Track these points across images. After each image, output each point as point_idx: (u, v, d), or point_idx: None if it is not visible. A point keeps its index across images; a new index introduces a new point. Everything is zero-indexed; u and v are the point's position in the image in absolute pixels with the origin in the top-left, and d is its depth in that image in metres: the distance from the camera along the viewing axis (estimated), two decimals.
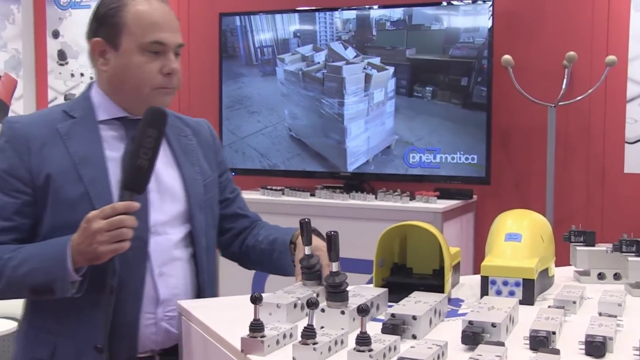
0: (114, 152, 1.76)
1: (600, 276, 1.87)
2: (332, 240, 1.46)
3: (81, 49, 4.79)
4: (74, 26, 4.81)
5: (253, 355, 1.28)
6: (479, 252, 3.67)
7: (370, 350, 1.21)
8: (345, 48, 3.88)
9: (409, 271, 1.78)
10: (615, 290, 1.68)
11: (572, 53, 3.45)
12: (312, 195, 3.75)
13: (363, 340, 1.22)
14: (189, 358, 1.61)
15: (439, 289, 1.64)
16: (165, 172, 1.82)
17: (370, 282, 1.74)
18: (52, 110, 1.87)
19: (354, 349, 1.22)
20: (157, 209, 1.77)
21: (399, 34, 3.77)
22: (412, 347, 1.24)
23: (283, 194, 3.84)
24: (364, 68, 3.84)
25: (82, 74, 4.81)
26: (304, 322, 1.30)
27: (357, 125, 3.88)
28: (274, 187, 3.90)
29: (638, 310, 1.60)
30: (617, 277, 1.86)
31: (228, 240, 2.02)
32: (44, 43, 4.91)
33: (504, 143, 3.83)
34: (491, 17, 3.56)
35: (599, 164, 3.65)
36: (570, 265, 1.96)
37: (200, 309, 1.61)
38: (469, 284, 1.86)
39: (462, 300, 1.70)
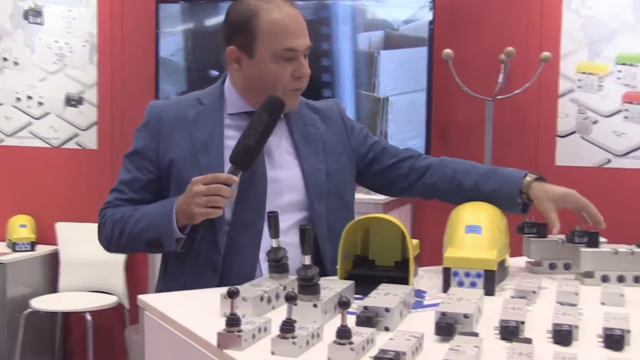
0: (234, 141, 1.80)
1: (552, 266, 1.93)
2: (305, 234, 1.46)
3: (4, 33, 4.61)
4: None
5: (230, 350, 1.27)
6: None
7: (351, 343, 1.22)
8: None
9: (371, 263, 1.80)
10: (568, 280, 1.74)
11: (510, 48, 3.53)
12: None
13: (344, 334, 1.23)
14: (156, 355, 1.58)
15: (402, 280, 1.66)
16: (286, 164, 1.93)
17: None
18: (188, 96, 2.02)
19: (335, 342, 1.22)
20: (272, 200, 1.88)
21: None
22: (390, 339, 1.25)
23: None
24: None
25: (5, 59, 4.63)
26: (271, 315, 1.30)
27: None
28: None
29: (591, 298, 1.65)
30: (567, 267, 1.93)
31: (401, 186, 2.08)
32: None
33: (443, 136, 3.89)
34: (432, 11, 3.62)
35: (532, 156, 3.76)
36: (517, 255, 2.01)
37: (165, 303, 1.58)
38: (427, 275, 1.89)
39: (425, 292, 1.72)
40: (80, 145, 4.50)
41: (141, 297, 1.63)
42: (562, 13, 3.69)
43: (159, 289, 1.96)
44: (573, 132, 3.71)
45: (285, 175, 1.92)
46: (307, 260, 1.47)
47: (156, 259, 3.50)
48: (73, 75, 4.53)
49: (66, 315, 4.36)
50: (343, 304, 1.24)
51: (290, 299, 1.28)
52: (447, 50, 3.57)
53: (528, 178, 1.95)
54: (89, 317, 3.99)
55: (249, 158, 1.74)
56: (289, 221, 1.88)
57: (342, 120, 2.08)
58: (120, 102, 4.39)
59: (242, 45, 1.87)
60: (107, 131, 4.43)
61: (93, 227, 2.00)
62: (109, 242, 1.93)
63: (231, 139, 1.86)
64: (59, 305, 4.12)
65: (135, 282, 4.32)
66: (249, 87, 1.91)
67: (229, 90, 1.96)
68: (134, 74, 4.35)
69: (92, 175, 4.39)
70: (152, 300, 1.60)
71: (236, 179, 1.73)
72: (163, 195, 1.92)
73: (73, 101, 4.51)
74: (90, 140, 4.49)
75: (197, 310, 1.53)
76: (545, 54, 3.53)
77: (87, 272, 4.27)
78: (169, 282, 1.92)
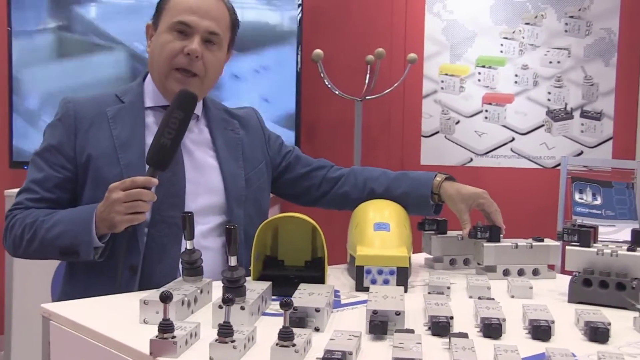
0: None
1: (452, 262, 1.97)
2: (231, 234, 1.40)
3: None
4: None
5: (164, 357, 1.20)
6: None
7: (294, 345, 1.18)
8: None
9: (280, 264, 1.76)
10: (476, 275, 1.78)
11: (380, 49, 3.59)
12: None
13: (286, 335, 1.18)
14: None
15: (317, 279, 1.63)
16: (206, 167, 1.90)
17: None
18: (106, 93, 1.95)
19: (277, 344, 1.18)
20: (192, 201, 1.84)
21: None
22: (331, 339, 1.22)
23: None
24: None
25: None
26: (191, 320, 1.27)
27: None
28: None
29: (499, 291, 1.70)
30: (466, 262, 1.97)
31: (314, 195, 2.11)
32: None
33: (311, 136, 3.90)
34: (300, 12, 3.61)
35: (399, 155, 3.85)
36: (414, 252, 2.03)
37: (76, 312, 1.45)
38: (333, 273, 1.87)
39: (338, 291, 1.70)
40: None
41: (46, 305, 1.49)
42: (425, 16, 3.81)
43: (64, 297, 1.83)
44: (437, 132, 3.84)
45: (205, 178, 1.89)
46: (233, 261, 1.41)
47: (15, 265, 3.26)
48: None
49: None
50: (286, 305, 1.20)
51: (228, 301, 1.22)
52: (318, 51, 3.58)
53: (438, 178, 1.98)
54: None
55: (166, 158, 1.67)
56: (208, 224, 1.86)
57: (261, 129, 2.09)
58: None
59: (154, 21, 1.90)
60: None
61: None
62: (16, 247, 1.82)
63: (152, 135, 1.77)
64: None
65: None
66: (151, 65, 1.90)
67: (149, 83, 1.94)
68: None
69: None
70: (61, 309, 1.46)
71: (155, 181, 1.66)
72: (78, 193, 1.84)
73: None
74: None
75: (114, 317, 1.42)
76: (412, 55, 3.63)
77: None
78: (77, 288, 1.80)
